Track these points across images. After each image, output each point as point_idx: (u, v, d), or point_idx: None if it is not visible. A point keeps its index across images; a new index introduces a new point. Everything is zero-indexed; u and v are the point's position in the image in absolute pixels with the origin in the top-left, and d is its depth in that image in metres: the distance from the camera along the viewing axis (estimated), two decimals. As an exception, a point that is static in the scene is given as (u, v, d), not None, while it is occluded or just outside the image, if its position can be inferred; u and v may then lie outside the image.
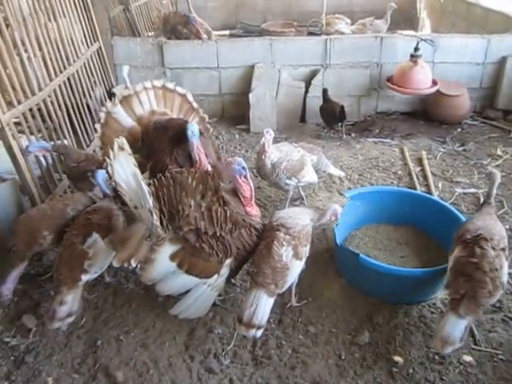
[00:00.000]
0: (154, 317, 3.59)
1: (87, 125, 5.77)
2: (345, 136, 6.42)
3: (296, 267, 3.30)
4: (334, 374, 3.15)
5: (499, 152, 5.93)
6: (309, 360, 3.24)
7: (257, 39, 6.99)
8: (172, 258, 3.12)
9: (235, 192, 3.35)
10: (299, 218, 3.43)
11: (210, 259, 3.18)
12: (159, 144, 4.08)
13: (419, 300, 3.67)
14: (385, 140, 6.34)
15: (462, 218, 3.90)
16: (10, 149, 4.14)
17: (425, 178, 5.38)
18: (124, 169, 2.97)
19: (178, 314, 3.37)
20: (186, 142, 3.92)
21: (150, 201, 3.00)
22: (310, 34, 8.92)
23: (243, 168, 3.29)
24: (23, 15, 4.68)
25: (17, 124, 4.39)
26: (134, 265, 3.09)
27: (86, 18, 6.11)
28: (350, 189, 5.00)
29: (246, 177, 3.32)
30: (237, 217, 3.23)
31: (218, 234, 3.16)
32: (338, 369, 3.19)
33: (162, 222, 3.10)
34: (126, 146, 2.97)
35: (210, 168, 3.94)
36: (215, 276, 3.24)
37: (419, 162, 5.74)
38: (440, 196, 4.98)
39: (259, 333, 3.13)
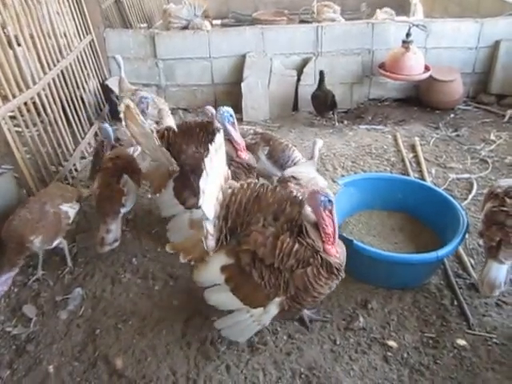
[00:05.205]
0: (151, 305, 3.63)
1: (82, 117, 5.81)
2: (337, 124, 6.44)
3: None
4: (328, 359, 3.19)
5: (492, 137, 5.95)
6: (304, 346, 3.28)
7: (248, 28, 6.97)
8: (222, 269, 2.95)
9: (316, 224, 2.90)
10: (308, 172, 3.91)
11: (258, 289, 2.90)
12: (188, 146, 4.03)
13: (413, 285, 3.71)
14: (377, 127, 6.36)
15: (456, 203, 3.93)
16: (6, 143, 4.17)
17: (418, 164, 5.41)
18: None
19: (220, 329, 3.23)
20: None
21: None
22: (302, 21, 8.92)
23: (329, 201, 2.84)
24: (16, 9, 4.69)
25: (12, 118, 4.42)
26: (182, 261, 3.13)
27: (77, 10, 6.12)
28: (343, 176, 5.03)
29: (330, 211, 2.86)
30: (305, 253, 2.82)
31: (275, 266, 2.83)
32: (333, 354, 3.23)
33: (222, 229, 2.95)
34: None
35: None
36: (260, 309, 2.98)
37: (412, 148, 5.76)
38: (433, 182, 5.01)
39: None
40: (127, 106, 3.68)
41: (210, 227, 2.87)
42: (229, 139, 3.75)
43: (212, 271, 2.98)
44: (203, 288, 3.10)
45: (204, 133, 4.01)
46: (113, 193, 3.98)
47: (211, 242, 2.92)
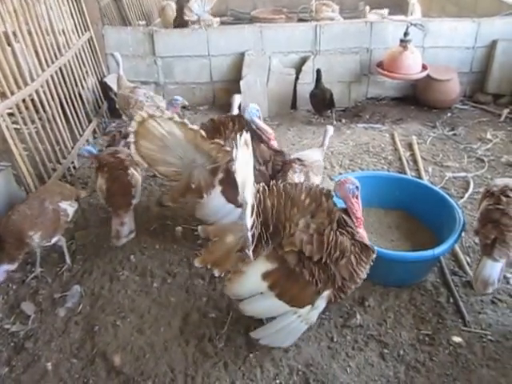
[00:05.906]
0: (149, 302, 3.65)
1: (80, 115, 5.81)
2: (335, 122, 6.43)
3: None
4: (326, 356, 3.21)
5: (489, 136, 5.96)
6: (302, 343, 3.29)
7: (247, 26, 6.99)
8: (264, 277, 2.84)
9: (347, 212, 2.96)
10: (313, 155, 4.16)
11: (306, 287, 2.86)
12: (226, 140, 3.97)
13: (410, 283, 3.73)
14: (375, 125, 6.37)
15: (452, 201, 3.94)
16: (4, 140, 4.18)
17: (415, 162, 5.42)
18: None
19: (258, 339, 3.16)
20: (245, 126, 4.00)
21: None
22: (300, 20, 8.91)
23: (356, 187, 2.96)
24: (14, 5, 4.69)
25: (10, 115, 4.43)
26: (216, 275, 2.89)
27: (76, 7, 6.12)
28: (340, 174, 5.05)
29: (357, 197, 2.98)
30: (347, 242, 2.84)
31: (323, 261, 2.81)
32: (330, 351, 3.24)
33: (262, 235, 2.84)
34: None
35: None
36: (308, 307, 2.94)
37: (409, 146, 5.78)
38: (430, 180, 5.03)
39: None
40: (140, 122, 3.57)
41: (250, 238, 2.73)
42: (259, 129, 3.94)
43: (252, 280, 2.88)
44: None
45: (237, 125, 4.07)
46: (122, 186, 4.04)
47: (251, 253, 2.80)
